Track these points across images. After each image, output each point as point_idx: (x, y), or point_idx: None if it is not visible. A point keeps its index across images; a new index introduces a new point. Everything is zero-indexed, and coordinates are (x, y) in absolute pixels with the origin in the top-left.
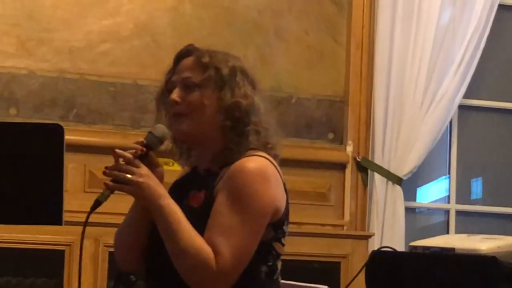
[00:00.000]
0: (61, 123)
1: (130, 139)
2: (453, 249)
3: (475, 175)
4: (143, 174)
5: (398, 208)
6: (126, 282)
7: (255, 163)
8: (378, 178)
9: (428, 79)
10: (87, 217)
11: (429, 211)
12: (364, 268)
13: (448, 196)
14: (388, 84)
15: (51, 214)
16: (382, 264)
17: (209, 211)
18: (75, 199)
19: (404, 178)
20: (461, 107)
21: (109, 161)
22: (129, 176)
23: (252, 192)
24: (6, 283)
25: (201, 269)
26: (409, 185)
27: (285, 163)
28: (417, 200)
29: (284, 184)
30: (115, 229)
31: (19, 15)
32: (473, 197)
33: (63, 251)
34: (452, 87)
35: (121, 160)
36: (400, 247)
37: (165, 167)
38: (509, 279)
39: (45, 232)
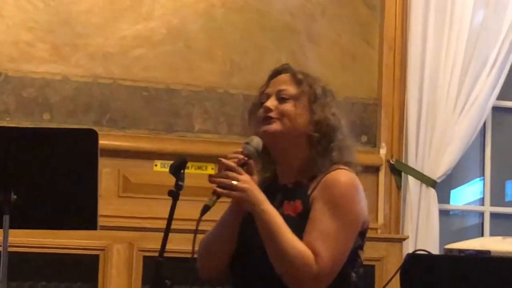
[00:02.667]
0: (95, 128)
1: (164, 144)
2: (489, 252)
3: (509, 176)
4: (247, 180)
5: (432, 210)
6: (162, 287)
7: (348, 176)
8: (412, 180)
9: (462, 81)
10: (198, 223)
11: (463, 213)
12: (399, 271)
13: (482, 198)
14: (421, 86)
15: (86, 218)
16: (417, 267)
17: (306, 219)
18: (109, 203)
19: (438, 180)
20: (495, 109)
21: (143, 165)
22: (234, 182)
23: (348, 202)
24: None
25: (302, 269)
26: (443, 187)
27: None
28: (451, 203)
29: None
30: (149, 234)
31: (54, 21)
32: (508, 199)
33: (97, 255)
34: (485, 88)
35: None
36: (435, 249)
37: (199, 171)
38: None
39: (80, 236)
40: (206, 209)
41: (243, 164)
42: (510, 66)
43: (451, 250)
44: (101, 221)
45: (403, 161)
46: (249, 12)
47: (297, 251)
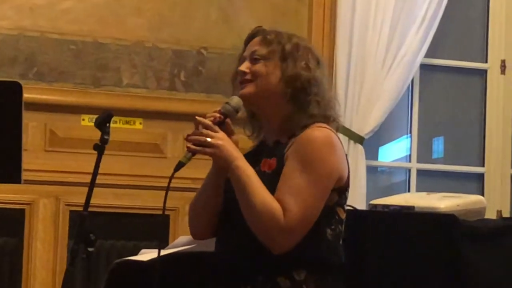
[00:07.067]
0: (21, 82)
1: (91, 98)
2: (413, 207)
3: (436, 134)
4: (221, 137)
5: (360, 167)
6: (87, 241)
7: (322, 132)
8: (340, 137)
9: (390, 37)
10: (170, 179)
11: (391, 170)
12: None
13: (410, 155)
14: (350, 42)
15: (10, 172)
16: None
17: (279, 176)
18: (36, 158)
19: (366, 137)
20: (423, 66)
21: (70, 119)
22: (209, 139)
23: (319, 158)
24: None
25: (270, 222)
26: (370, 144)
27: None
28: (379, 159)
29: (346, 155)
30: (76, 188)
31: None
32: (434, 156)
33: (23, 210)
34: (414, 45)
35: (200, 127)
36: (362, 205)
37: (127, 126)
38: (467, 237)
39: (5, 191)
40: (180, 165)
41: (220, 123)
42: (438, 24)
43: (376, 205)
44: (27, 175)
45: None
46: None
47: (265, 205)
